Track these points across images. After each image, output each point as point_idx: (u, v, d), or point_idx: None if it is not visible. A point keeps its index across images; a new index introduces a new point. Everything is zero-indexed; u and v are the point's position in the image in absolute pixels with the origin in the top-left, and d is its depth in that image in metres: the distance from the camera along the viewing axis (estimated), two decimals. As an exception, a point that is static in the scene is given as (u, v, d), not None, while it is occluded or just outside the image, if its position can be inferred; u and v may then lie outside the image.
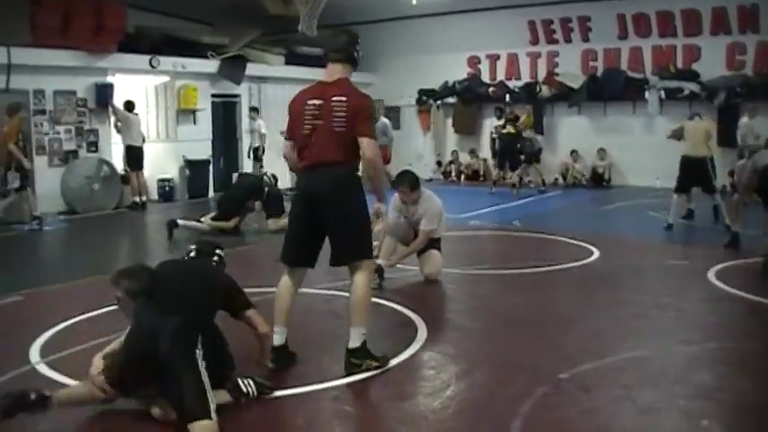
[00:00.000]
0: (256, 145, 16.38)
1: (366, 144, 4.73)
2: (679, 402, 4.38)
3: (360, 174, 4.96)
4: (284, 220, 11.16)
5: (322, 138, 4.74)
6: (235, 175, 15.63)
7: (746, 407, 4.37)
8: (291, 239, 4.99)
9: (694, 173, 10.67)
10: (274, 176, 11.61)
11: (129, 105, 14.53)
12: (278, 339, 4.94)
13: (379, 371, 4.82)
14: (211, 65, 16.47)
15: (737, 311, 6.51)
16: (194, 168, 16.00)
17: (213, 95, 16.78)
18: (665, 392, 4.55)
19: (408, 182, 7.51)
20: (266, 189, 11.19)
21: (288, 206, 8.11)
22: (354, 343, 4.80)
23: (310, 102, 4.80)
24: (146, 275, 4.38)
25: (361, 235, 4.89)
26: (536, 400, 4.36)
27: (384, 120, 15.76)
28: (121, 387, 4.07)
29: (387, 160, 15.71)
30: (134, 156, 14.46)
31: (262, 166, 15.68)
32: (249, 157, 16.93)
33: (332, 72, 4.91)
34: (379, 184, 4.93)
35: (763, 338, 5.72)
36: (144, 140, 14.84)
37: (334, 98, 4.73)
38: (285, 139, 5.06)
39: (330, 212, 4.76)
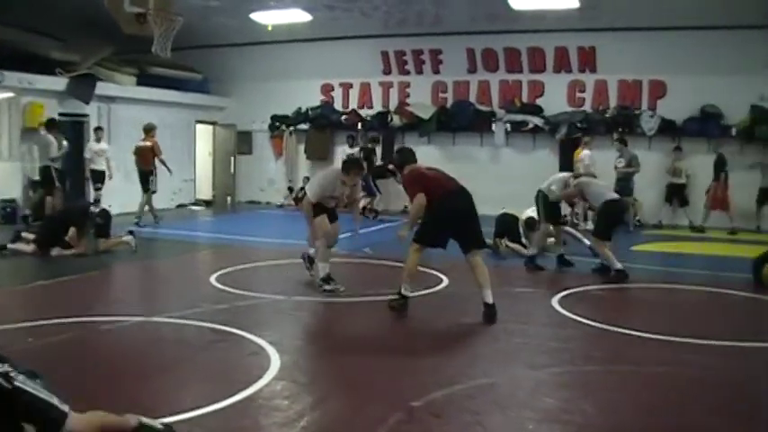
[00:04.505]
0: (101, 168, 15.21)
1: None
2: (527, 426, 4.50)
3: None
4: (113, 240, 11.27)
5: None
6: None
7: (590, 428, 4.54)
8: (435, 231, 7.46)
9: None
10: (105, 211, 11.49)
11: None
12: (407, 289, 7.35)
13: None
14: (60, 82, 15.77)
15: (579, 336, 6.79)
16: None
17: (60, 114, 15.85)
18: (513, 417, 4.68)
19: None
20: (91, 217, 11.12)
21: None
22: (490, 300, 7.09)
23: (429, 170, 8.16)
24: None
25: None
26: (390, 428, 4.37)
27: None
28: None
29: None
30: None
31: (99, 189, 15.28)
32: (87, 178, 15.84)
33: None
34: None
35: (602, 362, 5.99)
36: None
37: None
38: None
39: (471, 217, 7.64)
